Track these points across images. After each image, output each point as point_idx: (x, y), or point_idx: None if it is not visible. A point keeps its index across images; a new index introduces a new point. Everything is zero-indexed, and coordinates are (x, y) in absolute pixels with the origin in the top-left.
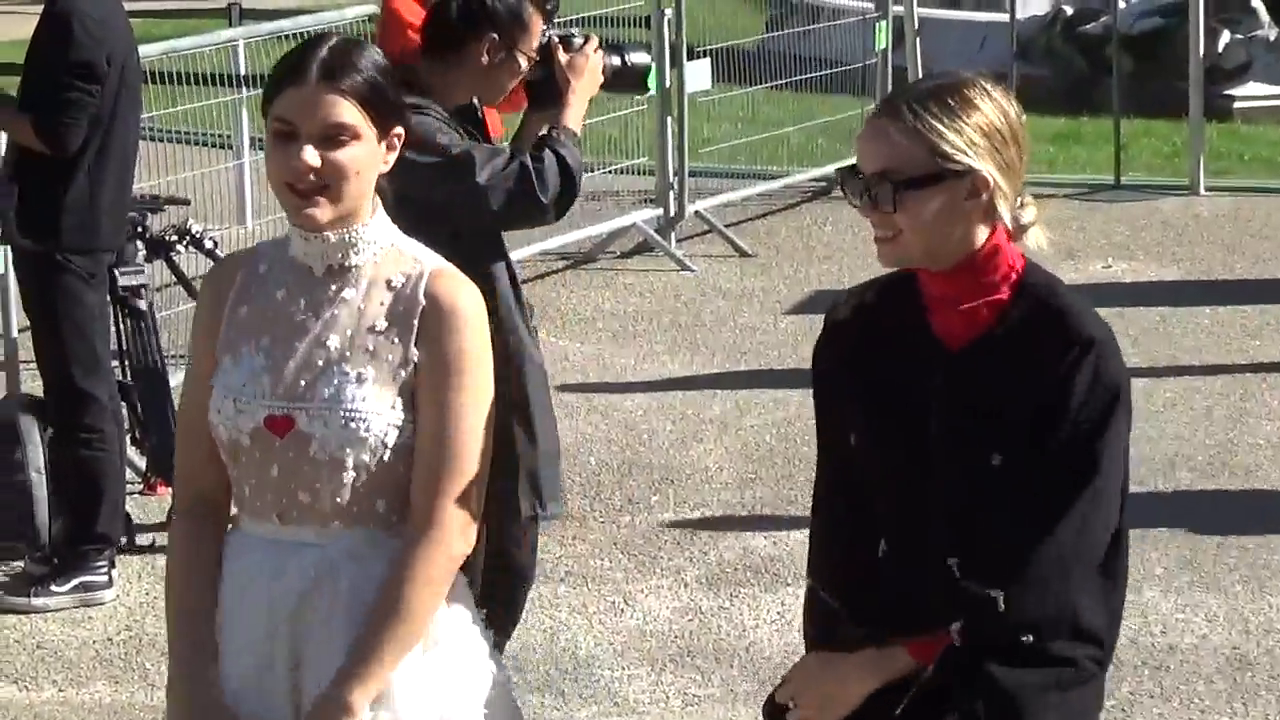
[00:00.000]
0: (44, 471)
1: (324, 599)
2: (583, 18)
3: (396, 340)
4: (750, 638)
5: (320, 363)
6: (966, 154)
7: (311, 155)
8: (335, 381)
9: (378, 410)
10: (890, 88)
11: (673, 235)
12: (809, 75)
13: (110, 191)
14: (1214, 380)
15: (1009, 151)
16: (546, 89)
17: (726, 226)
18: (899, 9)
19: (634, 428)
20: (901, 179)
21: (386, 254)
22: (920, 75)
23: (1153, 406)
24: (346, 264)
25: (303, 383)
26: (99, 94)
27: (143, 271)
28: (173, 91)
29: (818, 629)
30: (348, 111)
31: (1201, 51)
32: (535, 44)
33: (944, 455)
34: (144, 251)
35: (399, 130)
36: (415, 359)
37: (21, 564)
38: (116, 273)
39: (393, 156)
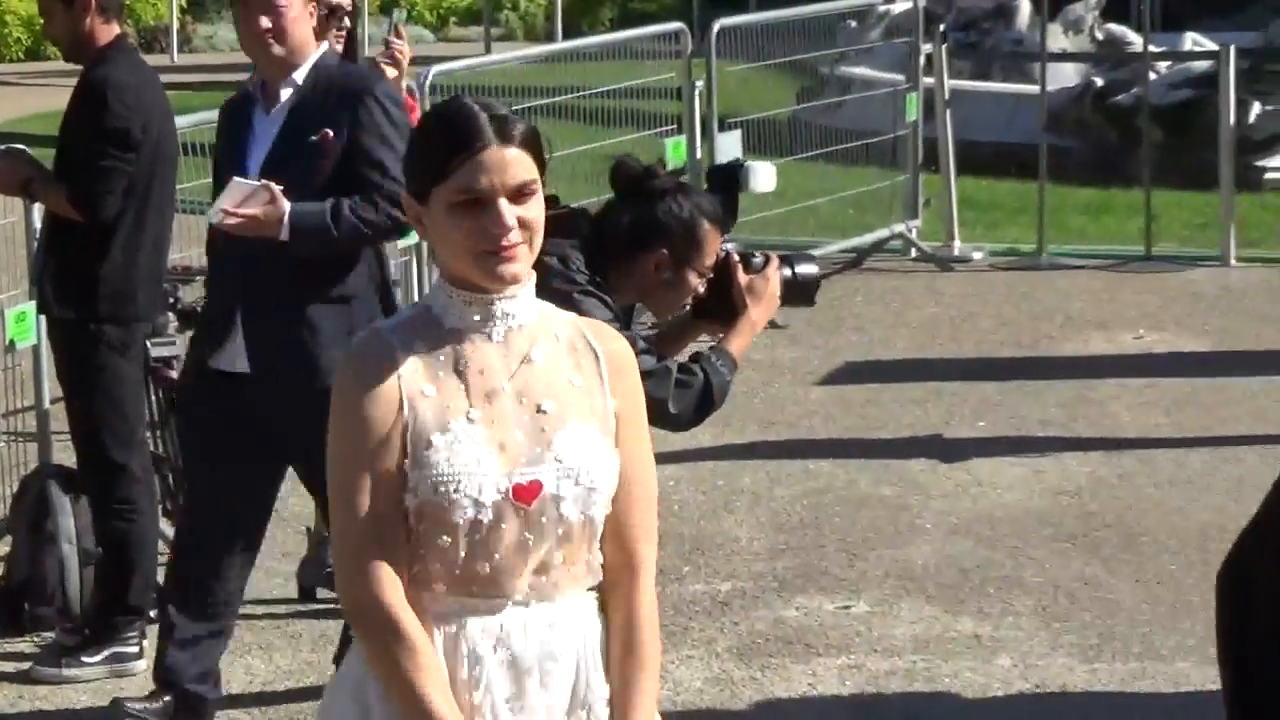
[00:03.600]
0: (75, 542)
1: (570, 653)
2: (613, 89)
3: (595, 392)
4: (781, 709)
5: (544, 425)
6: None
7: (511, 215)
8: (568, 440)
9: (607, 461)
10: (921, 159)
11: None
12: (840, 147)
13: (145, 262)
14: (1246, 451)
15: None
16: (716, 303)
17: None
18: (929, 81)
19: (665, 498)
20: None
21: (540, 309)
22: (951, 146)
23: (1185, 477)
24: (523, 324)
25: (538, 447)
26: (134, 163)
27: (175, 343)
28: (206, 164)
29: None
30: (530, 167)
31: (1232, 122)
32: (709, 262)
33: None
34: (176, 323)
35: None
36: (614, 409)
37: (53, 634)
38: (149, 344)
39: None
